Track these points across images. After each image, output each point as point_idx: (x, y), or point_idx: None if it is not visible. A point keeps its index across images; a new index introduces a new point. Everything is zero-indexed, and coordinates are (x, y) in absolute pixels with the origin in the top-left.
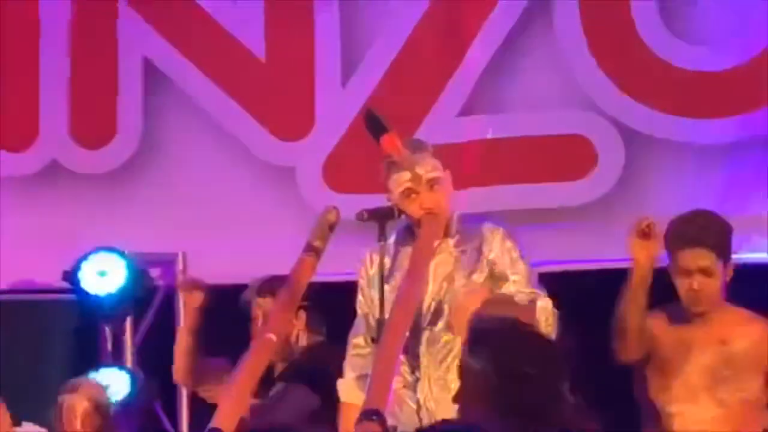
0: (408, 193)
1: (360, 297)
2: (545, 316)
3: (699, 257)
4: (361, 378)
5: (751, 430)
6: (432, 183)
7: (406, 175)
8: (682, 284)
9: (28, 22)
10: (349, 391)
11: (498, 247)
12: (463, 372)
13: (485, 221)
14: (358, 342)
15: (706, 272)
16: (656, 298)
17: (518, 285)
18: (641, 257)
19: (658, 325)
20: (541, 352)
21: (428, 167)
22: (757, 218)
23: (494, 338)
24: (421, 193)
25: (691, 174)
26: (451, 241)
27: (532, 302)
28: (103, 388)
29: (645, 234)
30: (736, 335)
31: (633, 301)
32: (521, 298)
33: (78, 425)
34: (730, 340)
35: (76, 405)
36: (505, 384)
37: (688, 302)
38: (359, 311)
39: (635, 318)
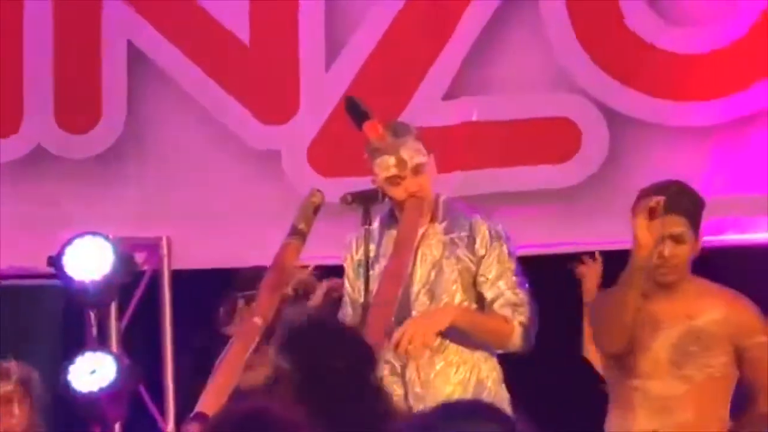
0: (393, 178)
1: (346, 283)
2: (521, 333)
3: (671, 223)
4: None
5: (715, 409)
6: (417, 167)
7: (391, 160)
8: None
9: (12, 7)
10: None
11: (486, 245)
12: (275, 373)
13: (474, 212)
14: None
15: (678, 239)
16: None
17: (501, 289)
18: (646, 239)
19: None
20: (346, 345)
21: (412, 152)
22: (742, 199)
23: (300, 338)
24: (406, 178)
25: (675, 156)
26: (439, 227)
27: (509, 320)
28: (31, 369)
29: (653, 213)
30: (702, 308)
31: (633, 286)
32: (502, 313)
33: (15, 410)
34: (697, 314)
35: (10, 390)
36: (311, 381)
37: (656, 271)
38: (345, 297)
39: (633, 304)
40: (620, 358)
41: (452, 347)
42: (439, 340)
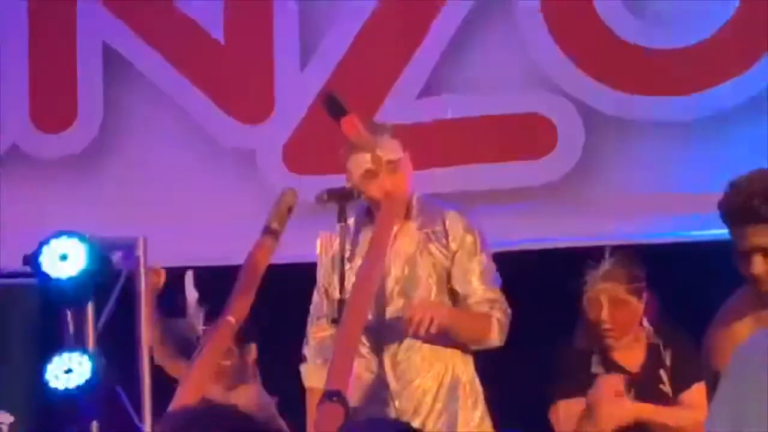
0: (368, 174)
1: (320, 278)
2: (498, 328)
3: None
4: (328, 362)
5: None
6: (392, 165)
7: (367, 156)
8: None
9: None
10: (318, 376)
11: (459, 240)
12: None
13: (448, 206)
14: (321, 325)
15: None
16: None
17: (475, 285)
18: None
19: None
20: None
21: (388, 149)
22: (719, 196)
23: None
24: (381, 175)
25: (651, 152)
26: (413, 225)
27: (488, 316)
28: None
29: None
30: None
31: None
32: (478, 309)
33: None
34: None
35: None
36: None
37: None
38: (318, 293)
39: None
40: None
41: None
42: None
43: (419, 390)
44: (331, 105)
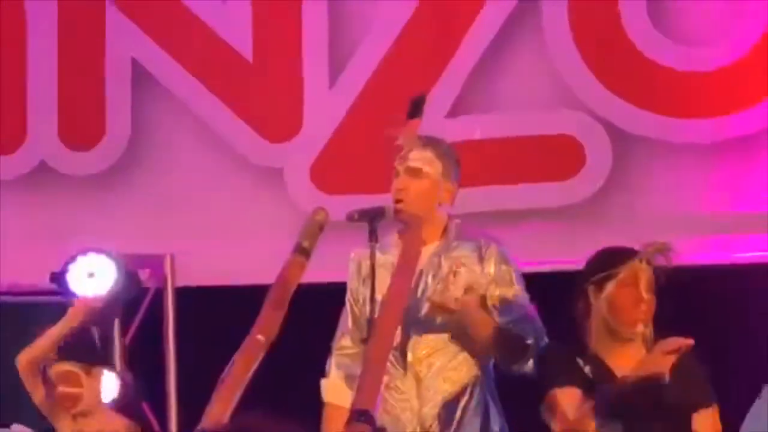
0: (394, 172)
1: (348, 294)
2: (530, 356)
3: None
4: (349, 379)
5: None
6: (414, 171)
7: (402, 153)
8: None
9: (16, 23)
10: (337, 392)
11: (495, 269)
12: None
13: (486, 237)
14: (345, 342)
15: None
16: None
17: (510, 311)
18: None
19: None
20: None
21: (419, 156)
22: (747, 216)
23: None
24: (401, 176)
25: (679, 174)
26: (450, 245)
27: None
28: None
29: None
30: None
31: None
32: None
33: None
34: None
35: None
36: None
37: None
38: (345, 309)
39: None
40: None
41: (452, 347)
42: (440, 353)
43: (440, 408)
44: (416, 104)
